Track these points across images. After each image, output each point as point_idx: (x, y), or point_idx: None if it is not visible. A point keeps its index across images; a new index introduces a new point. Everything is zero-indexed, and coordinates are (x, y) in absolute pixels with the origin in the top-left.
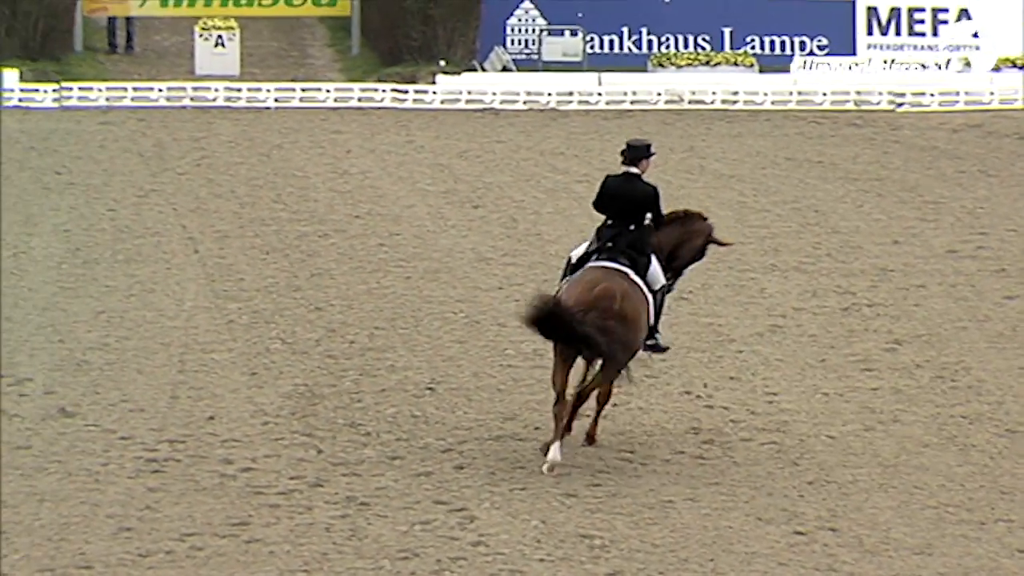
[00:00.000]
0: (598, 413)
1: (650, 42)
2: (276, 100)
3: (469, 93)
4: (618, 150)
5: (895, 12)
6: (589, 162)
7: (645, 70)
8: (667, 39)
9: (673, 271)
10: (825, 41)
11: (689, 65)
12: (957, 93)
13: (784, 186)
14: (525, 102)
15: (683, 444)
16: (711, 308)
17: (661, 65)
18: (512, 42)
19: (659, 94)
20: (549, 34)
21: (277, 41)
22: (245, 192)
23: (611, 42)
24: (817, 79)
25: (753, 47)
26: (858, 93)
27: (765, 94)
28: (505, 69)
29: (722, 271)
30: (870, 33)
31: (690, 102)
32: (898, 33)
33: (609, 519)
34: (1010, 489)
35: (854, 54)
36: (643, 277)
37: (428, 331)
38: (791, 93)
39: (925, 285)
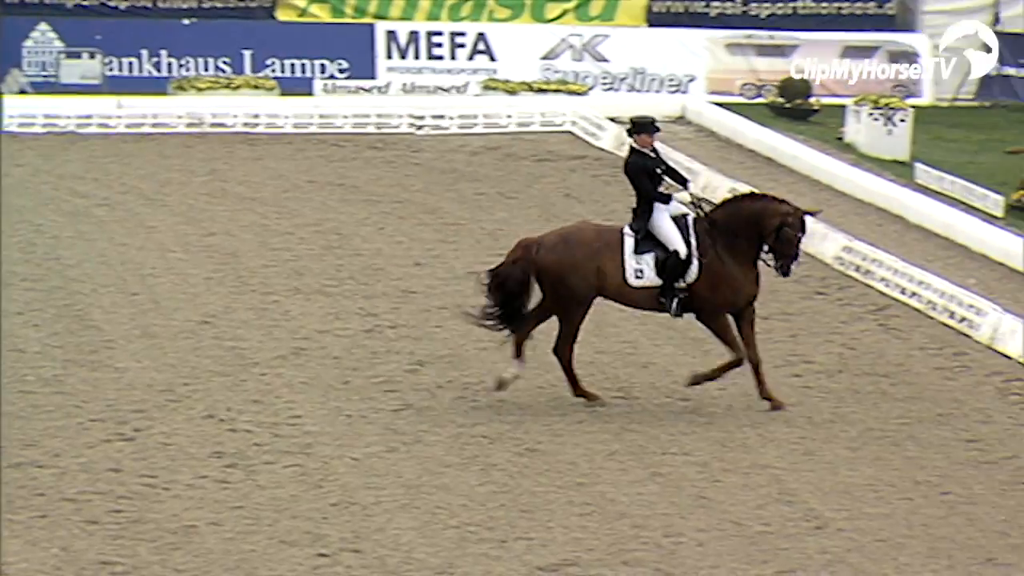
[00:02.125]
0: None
1: (170, 64)
2: None
3: None
4: (138, 173)
5: (414, 36)
6: (109, 185)
7: (166, 93)
8: (187, 62)
9: (774, 254)
10: (346, 64)
11: (210, 89)
12: (476, 116)
13: (306, 209)
14: (43, 125)
15: (206, 468)
16: (234, 331)
17: (182, 89)
18: (29, 64)
19: (180, 117)
20: (67, 56)
21: None
22: None
23: (130, 64)
24: (339, 102)
25: (274, 70)
26: (379, 116)
27: (287, 117)
28: (22, 92)
29: (245, 294)
30: (390, 56)
31: (211, 125)
32: (417, 56)
33: (131, 545)
34: (530, 507)
35: (375, 77)
36: (643, 235)
37: None
38: (312, 116)
39: (447, 306)
